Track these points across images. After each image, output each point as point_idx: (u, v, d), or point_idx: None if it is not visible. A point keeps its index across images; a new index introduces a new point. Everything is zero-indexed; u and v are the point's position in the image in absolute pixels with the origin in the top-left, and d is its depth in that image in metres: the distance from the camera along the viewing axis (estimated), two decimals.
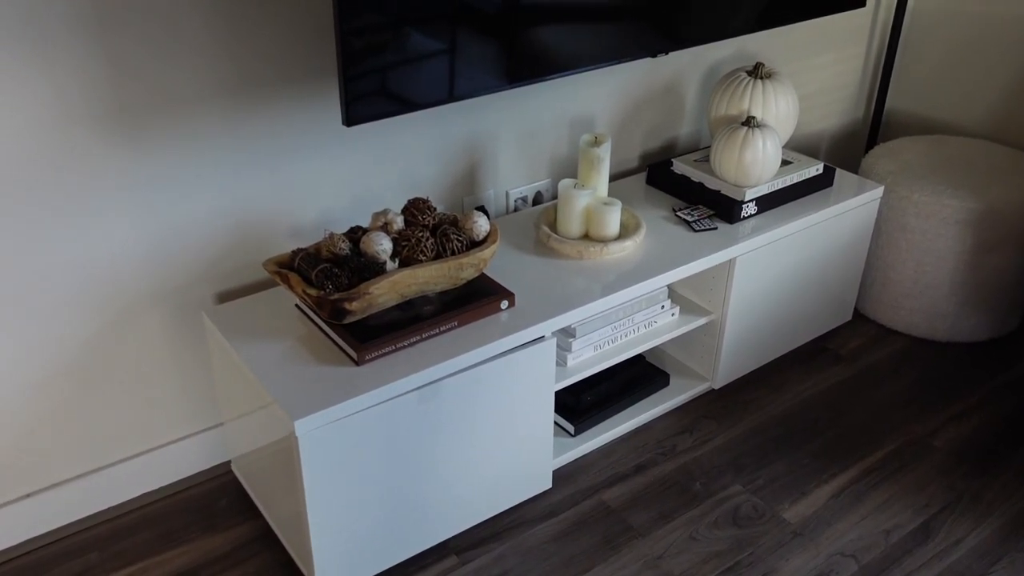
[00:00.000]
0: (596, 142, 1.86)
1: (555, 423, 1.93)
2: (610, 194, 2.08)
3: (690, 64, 2.23)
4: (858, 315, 2.41)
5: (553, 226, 1.89)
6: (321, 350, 1.53)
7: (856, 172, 2.82)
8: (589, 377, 1.94)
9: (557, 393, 1.92)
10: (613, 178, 2.22)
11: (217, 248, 1.68)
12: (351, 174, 1.79)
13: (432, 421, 1.53)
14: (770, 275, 2.01)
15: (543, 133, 2.04)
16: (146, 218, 1.58)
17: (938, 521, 1.77)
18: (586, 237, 1.87)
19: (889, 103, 2.76)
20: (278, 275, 1.53)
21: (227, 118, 1.58)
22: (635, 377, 2.02)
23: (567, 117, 2.06)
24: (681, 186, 2.06)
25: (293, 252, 1.56)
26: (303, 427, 1.37)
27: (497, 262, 1.81)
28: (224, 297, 1.73)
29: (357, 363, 1.48)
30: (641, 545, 1.71)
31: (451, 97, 1.60)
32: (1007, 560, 1.67)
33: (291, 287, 1.50)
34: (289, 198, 1.72)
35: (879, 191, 2.15)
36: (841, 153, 2.79)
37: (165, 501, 1.78)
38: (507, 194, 2.05)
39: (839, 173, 2.20)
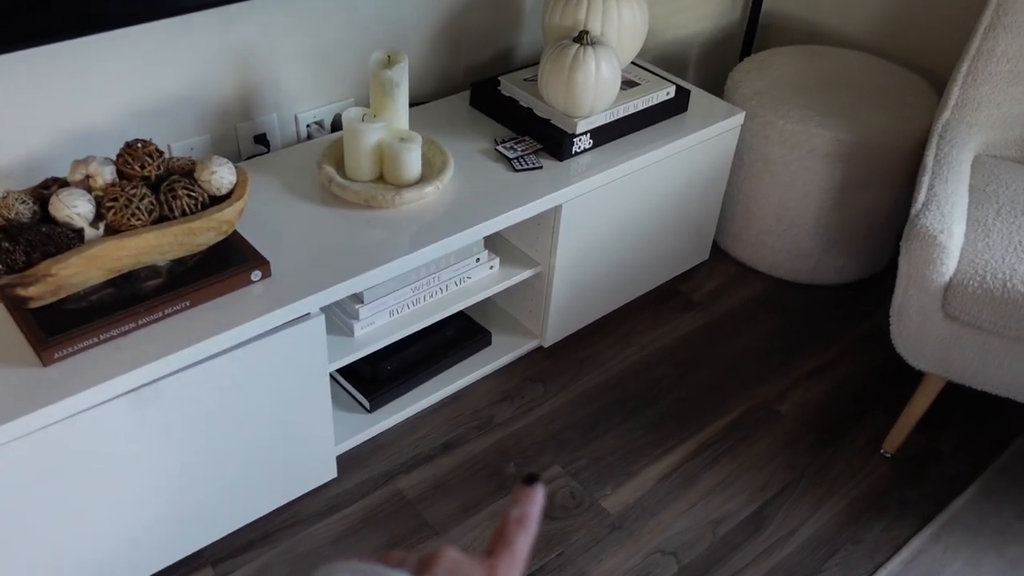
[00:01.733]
0: (390, 62, 1.51)
1: (351, 396, 1.65)
2: (421, 120, 1.74)
3: None
4: (718, 251, 2.16)
5: (341, 166, 1.55)
6: (8, 344, 1.19)
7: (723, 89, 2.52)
8: (397, 341, 1.65)
9: (354, 363, 1.63)
10: (432, 98, 1.87)
11: None
12: (71, 101, 1.40)
13: (157, 425, 1.23)
14: (608, 218, 1.72)
15: (339, 42, 1.67)
16: None
17: (773, 507, 1.58)
18: (381, 180, 1.54)
19: (768, 4, 2.45)
20: None
21: None
22: (451, 338, 1.74)
23: (370, 22, 1.69)
24: (508, 112, 1.73)
25: None
26: None
27: (263, 213, 1.47)
28: None
29: (44, 363, 1.16)
30: (434, 546, 1.47)
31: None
32: (841, 555, 1.50)
33: None
34: None
35: (739, 118, 1.87)
36: (715, 63, 2.48)
37: None
38: (296, 118, 1.69)
39: (695, 95, 1.90)
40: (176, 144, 1.55)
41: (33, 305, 1.16)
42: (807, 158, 1.90)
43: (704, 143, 1.82)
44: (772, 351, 1.90)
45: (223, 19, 1.49)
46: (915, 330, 1.53)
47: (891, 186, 1.94)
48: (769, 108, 1.94)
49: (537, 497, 0.51)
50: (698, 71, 2.45)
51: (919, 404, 1.63)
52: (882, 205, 1.97)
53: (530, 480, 0.52)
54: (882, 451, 1.69)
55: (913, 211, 1.52)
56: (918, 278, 1.49)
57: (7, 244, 1.12)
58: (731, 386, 1.81)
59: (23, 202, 1.17)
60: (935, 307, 1.49)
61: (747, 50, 2.44)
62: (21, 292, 1.13)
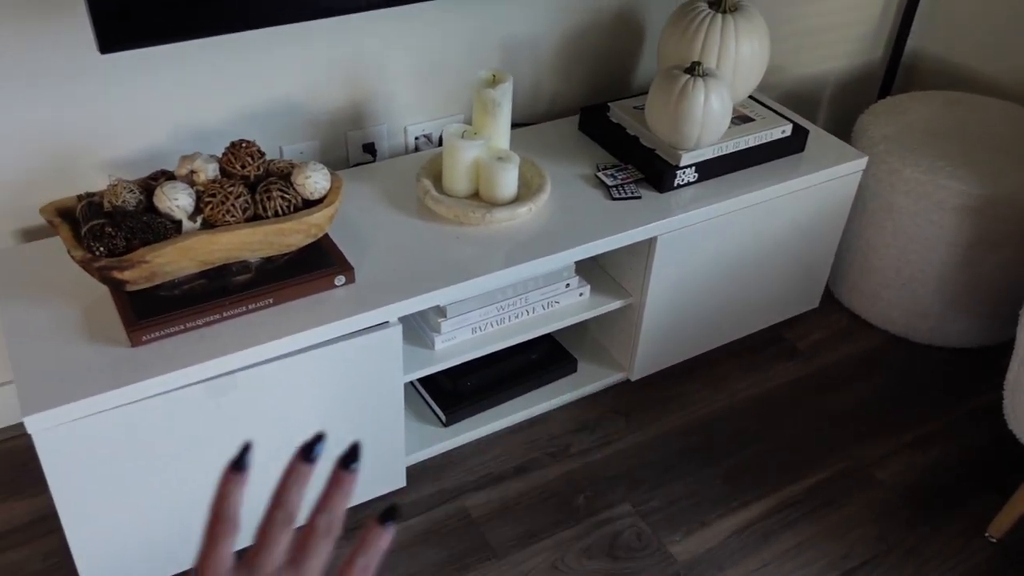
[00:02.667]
0: (494, 81, 1.51)
1: (430, 407, 1.66)
2: (526, 140, 1.75)
3: None
4: (830, 300, 2.06)
5: (439, 180, 1.57)
6: (104, 322, 1.26)
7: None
8: (480, 357, 1.64)
9: (435, 375, 1.65)
10: (543, 119, 1.87)
11: (18, 179, 1.41)
12: (190, 99, 1.48)
13: (231, 415, 1.27)
14: (708, 255, 1.67)
15: (454, 58, 1.70)
16: None
17: None
18: (476, 197, 1.55)
19: (912, 44, 2.32)
20: (53, 225, 1.25)
21: (16, 20, 1.28)
22: (536, 361, 1.73)
23: (487, 40, 1.71)
24: (615, 139, 1.71)
25: (79, 197, 1.28)
26: (37, 423, 1.12)
27: (358, 220, 1.51)
28: (31, 236, 1.47)
29: (132, 344, 1.22)
30: (490, 570, 1.46)
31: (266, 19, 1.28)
32: None
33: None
34: (108, 125, 1.43)
35: (861, 162, 1.77)
36: (850, 104, 2.37)
37: None
38: (405, 130, 1.73)
39: (815, 135, 1.82)
40: (287, 147, 1.61)
41: (129, 288, 1.23)
42: (934, 210, 1.79)
43: (819, 186, 1.74)
44: (875, 412, 1.79)
45: (342, 29, 1.54)
46: None
47: None
48: (897, 155, 1.83)
49: (386, 542, 0.48)
50: (830, 111, 2.35)
51: None
52: (1013, 268, 1.82)
53: (386, 519, 0.48)
54: (987, 535, 1.55)
55: None
56: None
57: (110, 229, 1.19)
58: (824, 444, 1.71)
59: (130, 191, 1.25)
60: None
61: (885, 92, 2.32)
62: (117, 275, 1.19)
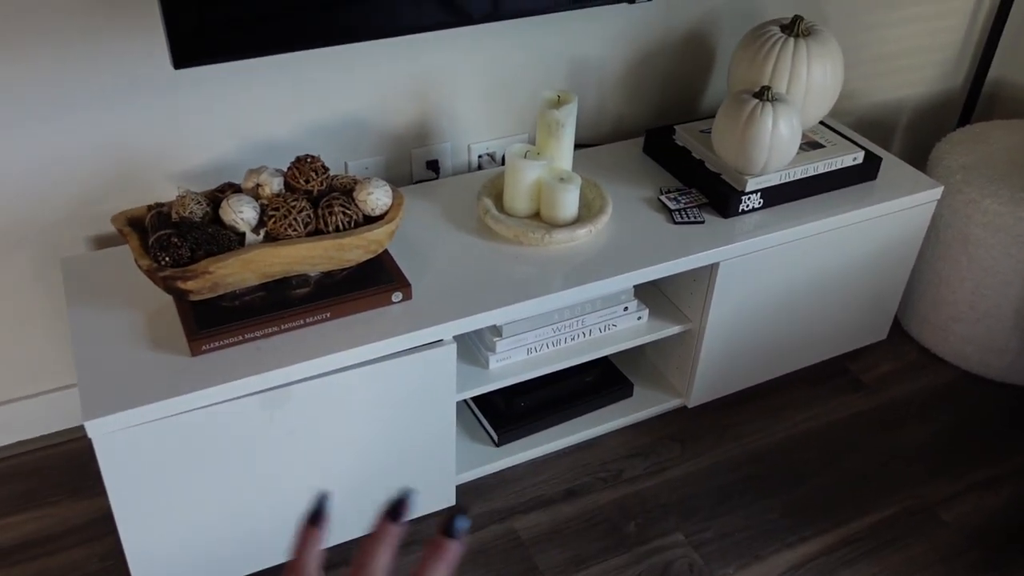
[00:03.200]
0: (559, 102, 1.51)
1: (482, 426, 1.66)
2: (590, 161, 1.73)
3: (725, 5, 1.81)
4: (899, 333, 1.99)
5: (500, 200, 1.57)
6: (166, 331, 1.29)
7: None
8: (535, 378, 1.63)
9: (489, 394, 1.64)
10: (607, 140, 1.86)
11: (92, 188, 1.45)
12: (259, 113, 1.51)
13: (285, 427, 1.29)
14: (772, 283, 1.63)
15: (520, 78, 1.70)
16: (4, 145, 1.36)
17: None
18: (536, 217, 1.54)
19: (995, 72, 2.24)
20: (123, 233, 1.29)
21: (94, 35, 1.33)
22: (591, 383, 1.71)
23: (554, 60, 1.71)
24: (680, 162, 1.68)
25: (149, 207, 1.32)
26: (97, 428, 1.15)
27: (418, 236, 1.51)
28: (103, 243, 1.51)
29: (191, 353, 1.24)
30: None
31: (346, 35, 1.29)
32: None
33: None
34: (179, 137, 1.47)
35: (935, 192, 1.71)
36: (927, 131, 2.30)
37: (39, 454, 1.63)
38: (469, 148, 1.73)
39: (889, 163, 1.76)
40: (352, 162, 1.63)
41: (192, 298, 1.26)
42: (1013, 244, 1.72)
43: (891, 215, 1.68)
44: (943, 450, 1.72)
45: (410, 47, 1.56)
46: None
47: None
48: (975, 185, 1.77)
49: (456, 555, 0.44)
50: (906, 139, 2.28)
51: None
52: None
53: (454, 528, 0.43)
54: None
55: None
56: None
57: (176, 240, 1.22)
58: (888, 482, 1.65)
59: (197, 203, 1.27)
60: None
61: (965, 119, 2.25)
62: (181, 285, 1.22)
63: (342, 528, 1.46)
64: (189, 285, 1.22)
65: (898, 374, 1.90)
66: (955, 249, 1.81)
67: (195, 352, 1.24)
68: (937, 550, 1.53)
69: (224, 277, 1.24)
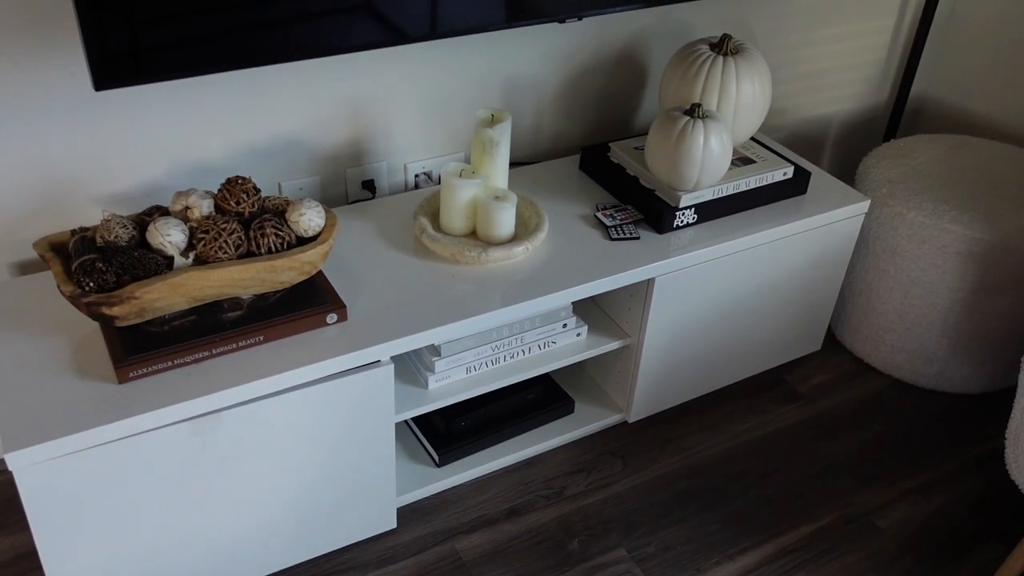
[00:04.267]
0: (493, 120, 1.51)
1: (423, 447, 1.64)
2: (526, 179, 1.74)
3: (656, 24, 1.84)
4: (833, 343, 2.03)
5: (436, 219, 1.56)
6: (92, 358, 1.26)
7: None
8: (475, 397, 1.62)
9: (429, 414, 1.63)
10: (543, 158, 1.87)
11: (13, 212, 1.41)
12: (184, 135, 1.48)
13: (217, 454, 1.26)
14: (707, 297, 1.65)
15: (456, 97, 1.70)
16: None
17: None
18: (473, 236, 1.54)
19: (919, 89, 2.31)
20: (46, 259, 1.25)
21: (10, 55, 1.29)
22: (532, 400, 1.71)
23: (490, 79, 1.71)
24: (615, 179, 1.70)
25: (72, 232, 1.28)
26: (18, 460, 1.11)
27: (353, 257, 1.50)
28: (25, 269, 1.47)
29: (119, 380, 1.21)
30: None
31: (267, 56, 1.28)
32: None
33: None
34: (105, 159, 1.43)
35: (863, 205, 1.76)
36: (855, 147, 2.36)
37: None
38: (405, 167, 1.73)
39: (818, 178, 1.81)
40: (286, 183, 1.61)
41: (118, 324, 1.22)
42: (937, 255, 1.77)
43: (821, 228, 1.72)
44: (877, 458, 1.76)
45: (344, 66, 1.55)
46: None
47: None
48: (901, 198, 1.82)
49: None
50: (835, 154, 2.34)
51: None
52: (1017, 313, 1.80)
53: None
54: None
55: None
56: None
57: (100, 264, 1.19)
58: (824, 491, 1.68)
59: (123, 226, 1.24)
60: None
61: (891, 135, 2.31)
62: (106, 311, 1.19)
63: (281, 555, 1.43)
64: (115, 311, 1.19)
65: (832, 384, 1.93)
66: (883, 260, 1.85)
67: (122, 379, 1.20)
68: (873, 557, 1.56)
69: (151, 302, 1.21)
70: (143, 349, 1.22)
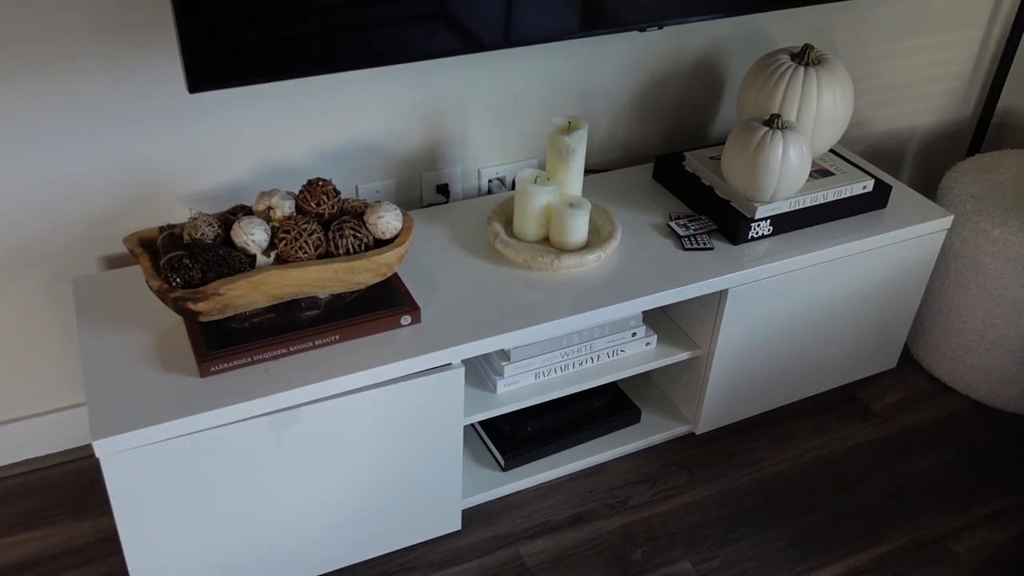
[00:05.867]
0: (569, 128, 1.52)
1: (489, 451, 1.66)
2: (600, 187, 1.74)
3: (735, 33, 1.82)
4: (909, 361, 1.99)
5: (510, 224, 1.57)
6: (176, 352, 1.30)
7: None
8: (542, 403, 1.62)
9: (497, 418, 1.64)
10: (618, 166, 1.86)
11: (105, 209, 1.46)
12: (267, 137, 1.52)
13: (292, 449, 1.29)
14: (780, 310, 1.63)
15: (531, 103, 1.71)
16: (16, 168, 1.37)
17: None
18: (546, 242, 1.55)
19: (1006, 103, 2.25)
20: (135, 254, 1.29)
21: (107, 60, 1.34)
22: (599, 408, 1.70)
23: (565, 86, 1.72)
24: (689, 188, 1.69)
25: (160, 229, 1.33)
26: (105, 447, 1.15)
27: (428, 260, 1.52)
28: (114, 263, 1.52)
29: (200, 374, 1.25)
30: None
31: (359, 62, 1.31)
32: None
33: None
34: (192, 160, 1.48)
35: (945, 221, 1.71)
36: (937, 161, 2.30)
37: (44, 473, 1.63)
38: (479, 172, 1.74)
39: (899, 192, 1.77)
40: (363, 186, 1.64)
41: (202, 319, 1.26)
42: (1022, 273, 1.71)
43: (901, 244, 1.68)
44: (952, 481, 1.71)
45: (422, 72, 1.57)
46: None
47: None
48: (985, 214, 1.77)
49: None
50: (916, 168, 2.28)
51: None
52: None
53: None
54: None
55: None
56: None
57: (187, 261, 1.23)
58: (896, 512, 1.64)
59: (209, 225, 1.28)
60: None
61: (975, 149, 2.25)
62: (192, 306, 1.22)
63: (347, 551, 1.45)
64: (199, 306, 1.23)
65: (908, 403, 1.89)
66: (965, 278, 1.80)
67: (204, 373, 1.24)
68: None
69: (234, 299, 1.25)
70: (224, 345, 1.25)
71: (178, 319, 1.35)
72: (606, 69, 1.73)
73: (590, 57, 1.70)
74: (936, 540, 1.59)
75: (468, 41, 1.39)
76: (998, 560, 1.56)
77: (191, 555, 1.31)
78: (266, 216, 1.32)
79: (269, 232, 1.30)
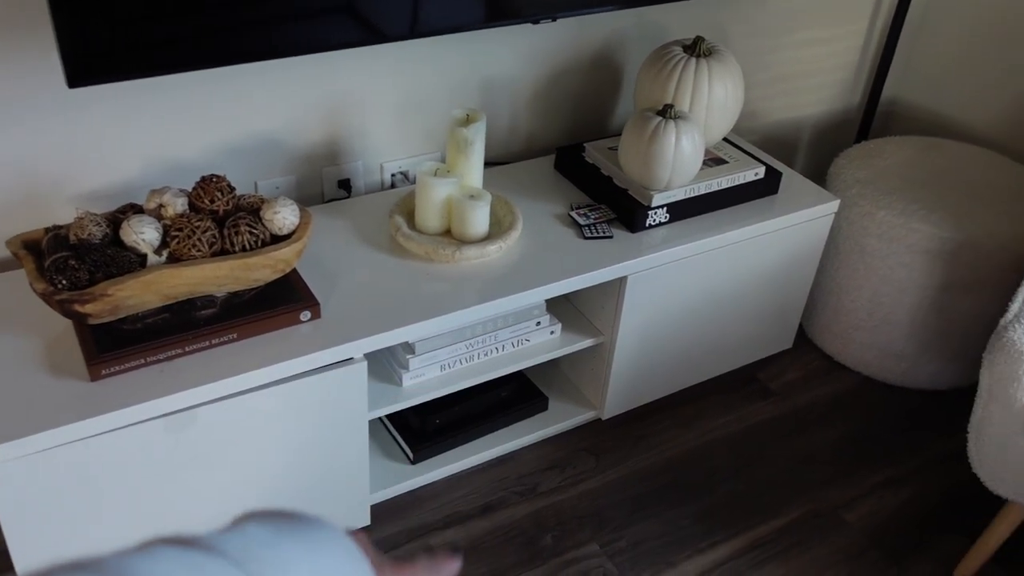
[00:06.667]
0: (468, 120, 1.53)
1: (398, 444, 1.66)
2: (501, 179, 1.76)
3: (631, 27, 1.86)
4: (804, 339, 2.06)
5: (412, 217, 1.58)
6: (65, 356, 1.26)
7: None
8: (449, 394, 1.64)
9: (404, 412, 1.64)
10: (520, 158, 1.89)
11: None
12: (160, 133, 1.49)
13: (191, 451, 1.27)
14: (679, 295, 1.68)
15: (432, 97, 1.71)
16: None
17: None
18: (447, 234, 1.55)
19: (890, 92, 2.35)
20: (18, 257, 1.25)
21: None
22: (506, 398, 1.72)
23: (466, 79, 1.73)
24: (589, 179, 1.72)
25: (46, 230, 1.28)
26: None
27: (328, 255, 1.51)
28: (5, 267, 1.47)
29: (91, 378, 1.21)
30: None
31: (234, 56, 1.29)
32: None
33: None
34: (80, 158, 1.44)
35: (833, 205, 1.79)
36: (827, 148, 2.39)
37: None
38: (381, 167, 1.74)
39: (789, 178, 1.83)
40: (262, 182, 1.62)
41: (91, 321, 1.23)
42: (905, 253, 1.80)
43: (792, 228, 1.75)
44: (846, 453, 1.79)
45: (321, 66, 1.56)
46: (995, 452, 1.40)
47: (996, 293, 1.81)
48: (870, 198, 1.85)
49: (455, 571, 0.48)
50: (808, 156, 2.37)
51: (998, 532, 1.49)
52: (984, 312, 1.83)
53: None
54: None
55: (1002, 321, 1.41)
56: (1000, 395, 1.36)
57: (73, 262, 1.19)
58: (795, 485, 1.71)
59: (96, 224, 1.25)
60: (1018, 429, 1.36)
61: (863, 137, 2.35)
62: (79, 308, 1.19)
63: None
64: (87, 308, 1.20)
65: (804, 381, 1.96)
66: (853, 259, 1.88)
67: (95, 376, 1.21)
68: (841, 549, 1.59)
69: (124, 299, 1.22)
70: (116, 347, 1.22)
71: (68, 323, 1.31)
72: (507, 62, 1.75)
73: (491, 51, 1.72)
74: (831, 511, 1.66)
75: (368, 33, 1.38)
76: (888, 526, 1.64)
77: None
78: (157, 214, 1.30)
79: (161, 231, 1.27)
